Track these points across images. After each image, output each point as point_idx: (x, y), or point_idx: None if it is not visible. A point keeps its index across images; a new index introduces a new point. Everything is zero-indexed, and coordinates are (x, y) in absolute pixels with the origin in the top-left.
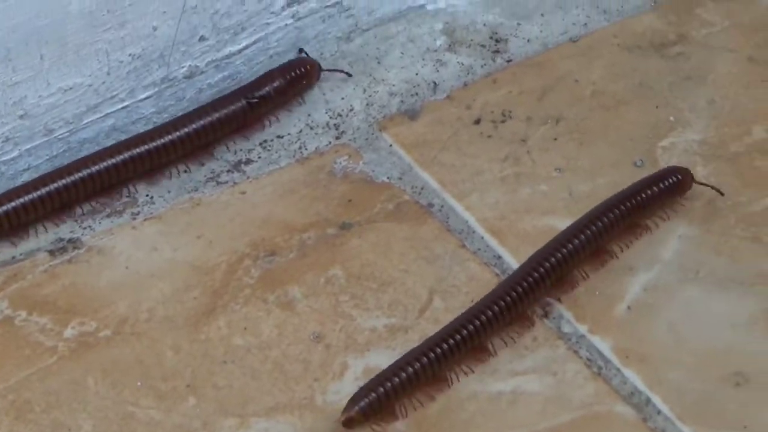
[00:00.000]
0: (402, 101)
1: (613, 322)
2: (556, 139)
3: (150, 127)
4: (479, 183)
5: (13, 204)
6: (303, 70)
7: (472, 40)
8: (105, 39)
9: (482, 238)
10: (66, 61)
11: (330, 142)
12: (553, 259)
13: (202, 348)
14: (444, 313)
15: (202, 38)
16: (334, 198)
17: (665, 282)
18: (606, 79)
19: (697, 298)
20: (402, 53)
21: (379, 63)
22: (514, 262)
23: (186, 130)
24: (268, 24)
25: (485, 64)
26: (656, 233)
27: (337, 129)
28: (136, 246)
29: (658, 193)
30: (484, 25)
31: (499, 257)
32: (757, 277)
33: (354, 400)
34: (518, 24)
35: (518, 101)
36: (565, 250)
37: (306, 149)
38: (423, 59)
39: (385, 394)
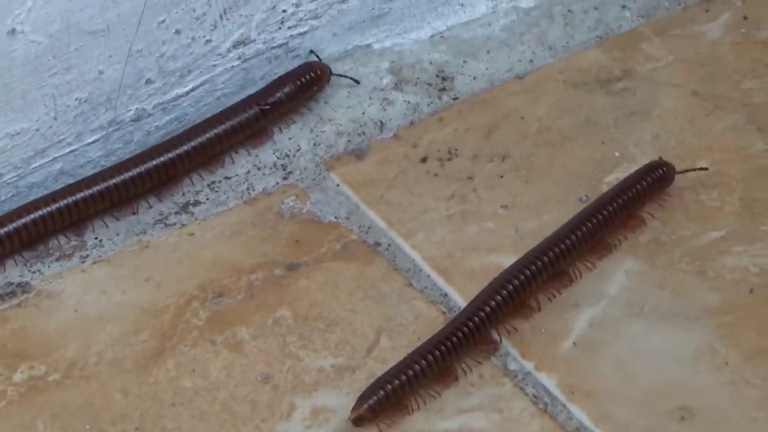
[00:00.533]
0: (349, 141)
1: (559, 358)
2: (502, 176)
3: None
4: (426, 221)
5: None
6: (314, 74)
7: (418, 78)
8: (51, 84)
9: (429, 276)
10: (12, 106)
11: (277, 183)
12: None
13: (151, 390)
14: (391, 351)
15: (148, 81)
16: (281, 239)
17: (611, 317)
18: (552, 115)
19: (643, 333)
20: (349, 92)
21: (326, 102)
22: (460, 300)
23: (200, 139)
24: (214, 66)
25: (432, 102)
26: (602, 269)
27: (284, 169)
28: (85, 289)
29: (648, 187)
30: (431, 63)
31: (446, 295)
32: (702, 311)
33: (362, 398)
34: (464, 62)
35: (464, 139)
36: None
37: (254, 190)
38: (370, 98)
39: (393, 391)
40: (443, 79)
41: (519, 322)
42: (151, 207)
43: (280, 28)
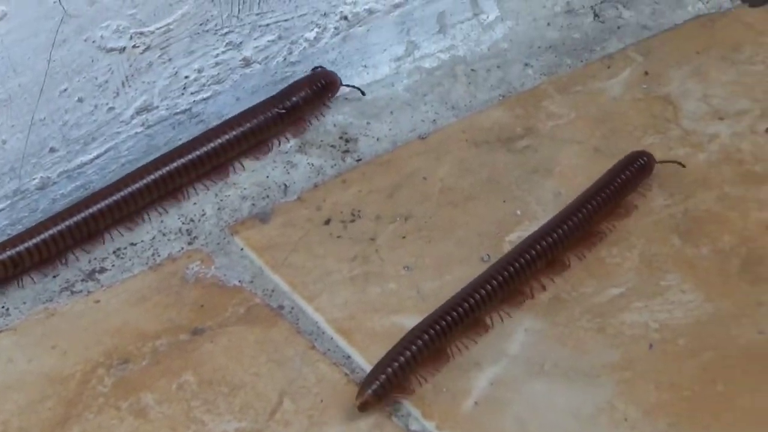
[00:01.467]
0: (253, 204)
1: (461, 418)
2: (404, 237)
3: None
4: (329, 284)
5: None
6: (326, 81)
7: (322, 140)
8: None
9: (332, 338)
10: None
11: (182, 248)
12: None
13: None
14: (294, 414)
15: (52, 150)
16: (186, 304)
17: (512, 376)
18: (454, 175)
19: (543, 391)
20: (253, 156)
21: (230, 166)
22: (363, 362)
23: (235, 132)
24: (118, 133)
25: (335, 165)
26: (502, 327)
27: (189, 234)
28: None
29: (632, 177)
30: (334, 125)
31: (349, 357)
32: (602, 368)
33: (366, 384)
34: (368, 123)
35: (367, 200)
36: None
37: (159, 256)
38: (274, 161)
39: (393, 374)
40: (347, 140)
41: (424, 378)
42: (57, 275)
43: (182, 94)
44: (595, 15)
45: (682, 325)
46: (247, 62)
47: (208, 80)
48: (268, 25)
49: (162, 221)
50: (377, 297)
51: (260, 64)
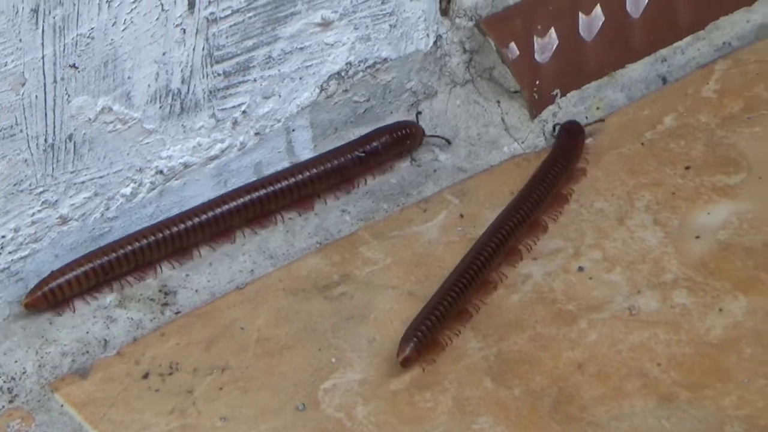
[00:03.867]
0: (73, 360)
1: None
2: (221, 388)
3: None
4: None
5: None
6: (408, 131)
7: (141, 294)
8: None
9: None
10: None
11: (3, 406)
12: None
13: None
14: None
15: None
16: None
17: None
18: (271, 324)
19: None
20: (73, 312)
21: (50, 323)
22: None
23: (308, 174)
24: None
25: (154, 318)
26: None
27: (10, 393)
28: None
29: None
30: (153, 278)
31: None
32: None
33: (405, 340)
34: (187, 275)
35: (185, 353)
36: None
37: None
38: (94, 317)
39: (427, 330)
40: (166, 293)
41: None
42: None
43: (0, 254)
44: (412, 159)
45: None
46: (63, 220)
47: (25, 239)
48: (83, 182)
49: None
50: None
51: (77, 221)
